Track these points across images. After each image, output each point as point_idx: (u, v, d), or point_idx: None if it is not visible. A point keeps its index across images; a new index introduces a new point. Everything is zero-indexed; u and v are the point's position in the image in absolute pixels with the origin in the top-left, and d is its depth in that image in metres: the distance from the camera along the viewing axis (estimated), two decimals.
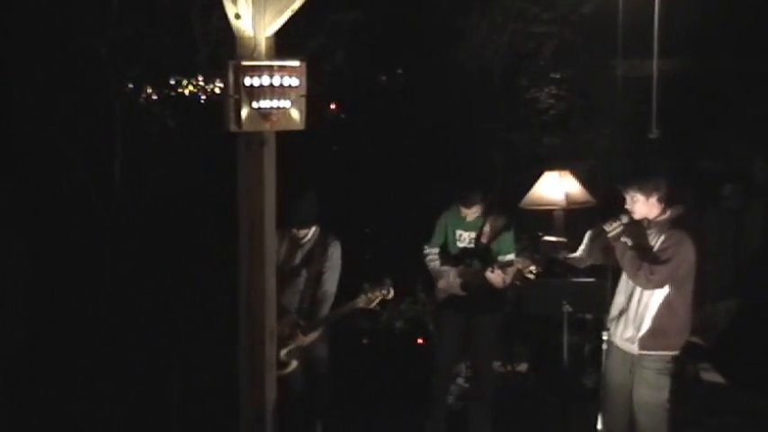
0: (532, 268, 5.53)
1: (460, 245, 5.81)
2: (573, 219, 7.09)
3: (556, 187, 7.22)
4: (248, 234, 4.08)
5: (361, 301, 5.16)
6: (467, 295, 5.73)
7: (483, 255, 5.74)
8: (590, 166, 8.34)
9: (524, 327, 7.06)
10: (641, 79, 8.38)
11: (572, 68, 9.17)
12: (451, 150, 8.54)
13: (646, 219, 4.85)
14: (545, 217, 7.28)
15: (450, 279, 5.78)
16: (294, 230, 5.23)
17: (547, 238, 6.79)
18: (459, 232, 5.81)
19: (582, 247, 5.21)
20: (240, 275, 4.14)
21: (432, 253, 5.90)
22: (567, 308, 5.27)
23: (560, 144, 8.98)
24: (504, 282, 5.66)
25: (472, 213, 5.72)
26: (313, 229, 5.29)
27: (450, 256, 5.83)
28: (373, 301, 5.19)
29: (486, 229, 5.74)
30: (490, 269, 5.58)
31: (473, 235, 5.78)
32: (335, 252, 5.28)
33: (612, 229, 4.85)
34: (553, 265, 6.57)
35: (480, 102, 8.94)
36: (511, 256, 5.68)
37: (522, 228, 6.05)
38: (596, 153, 8.81)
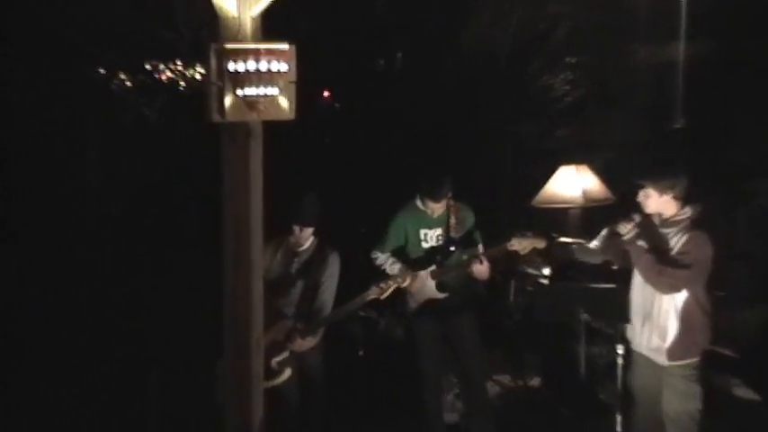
0: (536, 245, 5.55)
1: (426, 245, 5.83)
2: (591, 218, 7.11)
3: (572, 183, 7.25)
4: (233, 234, 4.08)
5: (372, 293, 5.25)
6: (444, 298, 5.77)
7: (461, 249, 5.78)
8: (609, 159, 8.35)
9: (537, 336, 7.07)
10: (665, 64, 8.39)
11: (588, 52, 9.17)
12: (456, 143, 8.55)
13: (658, 216, 4.90)
14: (560, 216, 7.30)
15: (424, 281, 5.78)
16: (292, 235, 5.30)
17: (563, 239, 6.87)
18: (423, 232, 5.82)
19: (596, 241, 5.23)
20: (224, 279, 4.14)
21: (389, 257, 5.84)
22: (584, 316, 5.26)
23: (576, 136, 8.98)
24: (488, 273, 5.71)
25: (439, 208, 5.74)
26: (311, 238, 5.37)
27: (415, 259, 5.83)
28: (386, 291, 5.27)
29: (453, 221, 5.78)
30: (478, 261, 5.61)
31: (439, 231, 5.81)
32: (335, 263, 5.37)
33: (627, 231, 4.90)
34: (568, 269, 6.62)
35: (487, 89, 8.95)
36: (480, 246, 5.74)
37: (537, 228, 6.05)
38: (616, 145, 8.81)
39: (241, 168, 4.03)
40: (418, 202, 5.82)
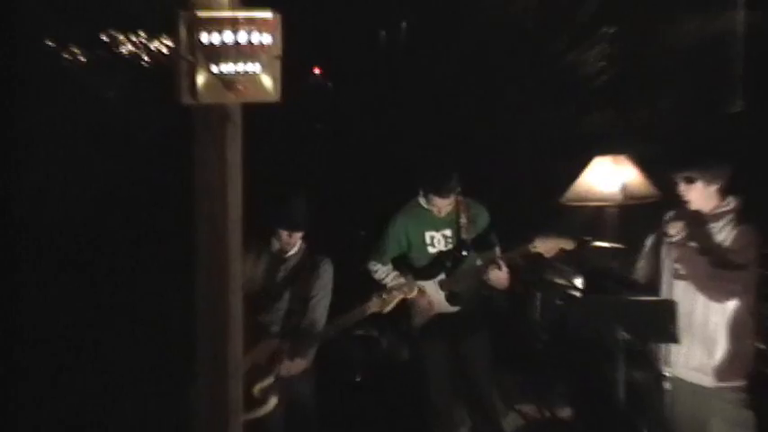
0: (563, 246, 5.58)
1: (434, 250, 5.85)
2: (630, 218, 7.11)
3: (609, 177, 7.23)
4: (208, 237, 4.06)
5: (373, 305, 5.27)
6: (456, 311, 5.80)
7: (474, 252, 5.79)
8: (653, 149, 8.34)
9: (566, 358, 7.06)
10: (721, 36, 8.38)
11: (629, 22, 9.17)
12: (468, 130, 8.55)
13: (698, 212, 4.92)
14: (594, 216, 7.29)
15: (433, 294, 5.80)
16: (279, 240, 5.29)
17: (598, 243, 6.85)
18: (429, 235, 5.85)
19: (640, 263, 5.25)
20: (197, 290, 4.13)
21: (390, 271, 5.87)
22: (624, 335, 5.27)
23: (614, 121, 8.98)
24: (508, 281, 5.72)
25: (447, 206, 5.75)
26: (299, 242, 5.36)
27: (421, 267, 5.85)
28: (389, 303, 5.29)
29: (464, 221, 5.80)
30: (496, 267, 5.63)
31: (449, 233, 5.84)
32: (327, 272, 5.37)
33: (678, 231, 4.90)
34: (604, 278, 6.60)
35: (506, 65, 8.95)
36: (498, 249, 5.78)
37: (567, 230, 6.06)
38: (661, 132, 8.80)
39: (217, 160, 4.00)
40: (421, 200, 5.84)
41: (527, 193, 8.68)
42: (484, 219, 5.89)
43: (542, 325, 7.36)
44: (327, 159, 8.38)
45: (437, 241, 5.85)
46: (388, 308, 5.30)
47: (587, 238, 6.78)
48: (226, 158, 3.99)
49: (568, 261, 6.71)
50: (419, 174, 5.81)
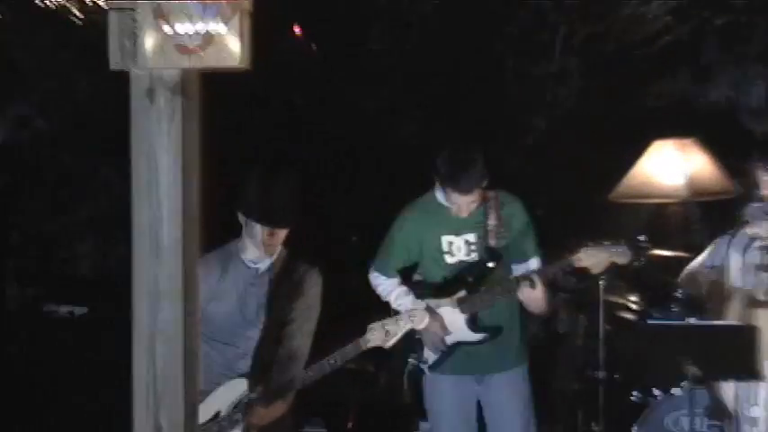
0: (615, 260, 5.58)
1: (452, 259, 5.82)
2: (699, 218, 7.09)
3: (672, 166, 7.23)
4: (153, 243, 3.98)
5: (373, 338, 5.24)
6: (478, 340, 5.77)
7: (505, 264, 5.77)
8: (729, 131, 8.32)
9: (619, 400, 7.00)
10: None
11: None
12: (492, 107, 8.52)
13: None
14: (653, 216, 7.25)
15: (450, 317, 5.77)
16: (256, 242, 5.24)
17: (657, 252, 6.81)
18: (447, 240, 5.81)
19: (704, 255, 5.37)
20: (135, 315, 4.04)
21: (397, 285, 5.89)
22: (693, 370, 5.23)
23: (678, 95, 8.95)
24: (544, 303, 5.69)
25: (470, 203, 5.70)
26: (278, 248, 5.31)
27: (436, 282, 5.85)
28: (394, 335, 5.25)
29: (492, 222, 5.75)
30: (529, 284, 5.57)
31: (472, 238, 5.79)
32: (314, 288, 5.34)
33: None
34: (667, 299, 6.56)
35: (539, 26, 8.93)
36: (536, 260, 5.74)
37: (617, 234, 6.02)
38: (741, 110, 8.78)
39: (167, 144, 3.92)
40: (438, 195, 5.81)
41: (568, 189, 8.65)
42: (519, 220, 5.82)
43: (587, 356, 7.31)
44: (311, 143, 8.33)
45: (457, 248, 5.82)
46: (392, 341, 5.26)
47: (643, 245, 6.75)
48: (180, 140, 3.91)
49: (621, 274, 6.66)
50: (434, 162, 5.72)
